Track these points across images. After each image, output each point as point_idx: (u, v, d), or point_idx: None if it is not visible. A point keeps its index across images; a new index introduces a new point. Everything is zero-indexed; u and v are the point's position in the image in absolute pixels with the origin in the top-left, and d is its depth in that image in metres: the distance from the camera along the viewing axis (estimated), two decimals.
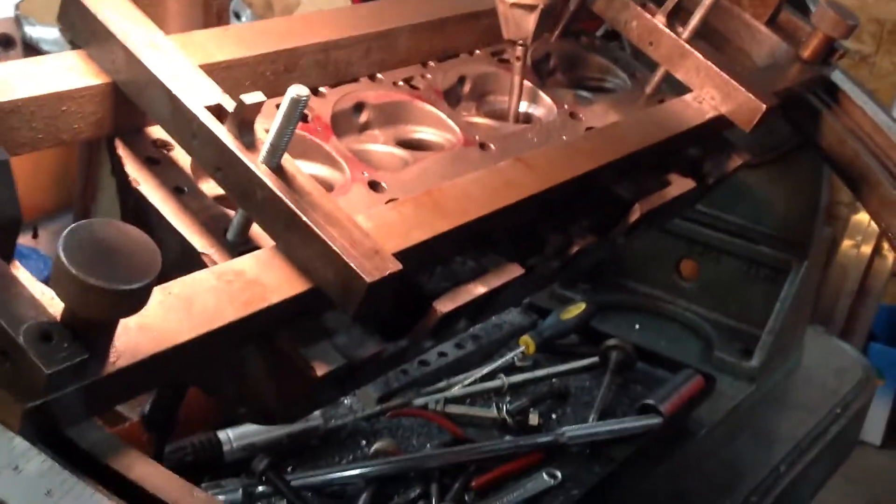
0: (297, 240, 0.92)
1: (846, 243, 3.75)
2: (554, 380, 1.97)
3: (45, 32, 2.37)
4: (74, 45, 1.04)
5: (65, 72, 0.99)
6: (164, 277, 0.80)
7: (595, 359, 2.02)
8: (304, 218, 0.91)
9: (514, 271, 1.16)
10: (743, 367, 2.16)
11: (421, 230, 1.04)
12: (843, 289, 3.71)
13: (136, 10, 1.02)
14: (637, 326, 2.30)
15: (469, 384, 1.89)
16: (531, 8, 1.31)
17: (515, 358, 1.98)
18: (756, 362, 2.16)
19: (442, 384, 1.87)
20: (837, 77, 1.90)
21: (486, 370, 1.93)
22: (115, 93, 1.02)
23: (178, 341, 0.83)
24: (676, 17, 1.55)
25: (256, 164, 0.93)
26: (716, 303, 2.32)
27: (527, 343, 1.99)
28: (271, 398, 0.99)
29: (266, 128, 0.95)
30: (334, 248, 0.91)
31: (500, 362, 1.96)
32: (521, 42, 1.35)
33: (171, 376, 0.92)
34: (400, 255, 0.95)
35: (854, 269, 3.73)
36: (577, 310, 2.07)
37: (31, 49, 2.34)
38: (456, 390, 1.86)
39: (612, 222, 1.39)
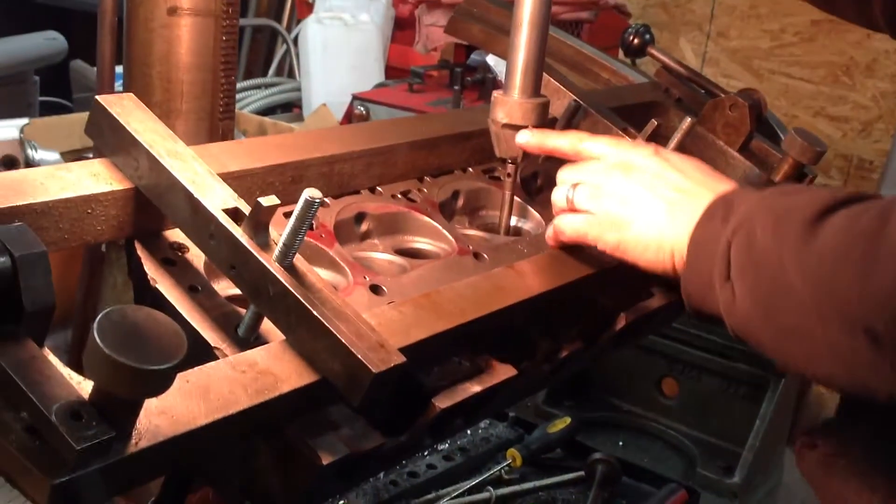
0: (306, 333, 0.98)
1: None
2: (541, 493, 1.99)
3: (46, 155, 2.46)
4: None
5: (91, 177, 1.06)
6: None
7: (581, 472, 2.05)
8: (314, 312, 0.97)
9: (509, 371, 1.22)
10: (725, 483, 2.20)
11: (420, 329, 1.10)
12: (822, 409, 3.75)
13: (159, 122, 1.09)
14: (621, 443, 2.34)
15: (457, 496, 1.91)
16: (521, 128, 1.40)
17: (503, 471, 2.01)
18: (738, 479, 2.20)
19: (431, 496, 1.89)
20: None
21: (474, 482, 1.95)
22: (136, 198, 1.08)
23: (196, 425, 0.87)
24: (655, 141, 1.65)
25: (270, 262, 0.99)
26: (697, 420, 2.36)
27: (514, 456, 2.03)
28: (277, 489, 1.02)
29: (279, 232, 1.01)
30: (342, 340, 0.96)
31: (487, 475, 1.98)
32: (511, 160, 1.43)
33: (186, 461, 0.96)
34: (401, 352, 1.00)
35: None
36: (562, 423, 2.11)
37: None
38: (445, 502, 1.88)
39: (598, 330, 1.45)
